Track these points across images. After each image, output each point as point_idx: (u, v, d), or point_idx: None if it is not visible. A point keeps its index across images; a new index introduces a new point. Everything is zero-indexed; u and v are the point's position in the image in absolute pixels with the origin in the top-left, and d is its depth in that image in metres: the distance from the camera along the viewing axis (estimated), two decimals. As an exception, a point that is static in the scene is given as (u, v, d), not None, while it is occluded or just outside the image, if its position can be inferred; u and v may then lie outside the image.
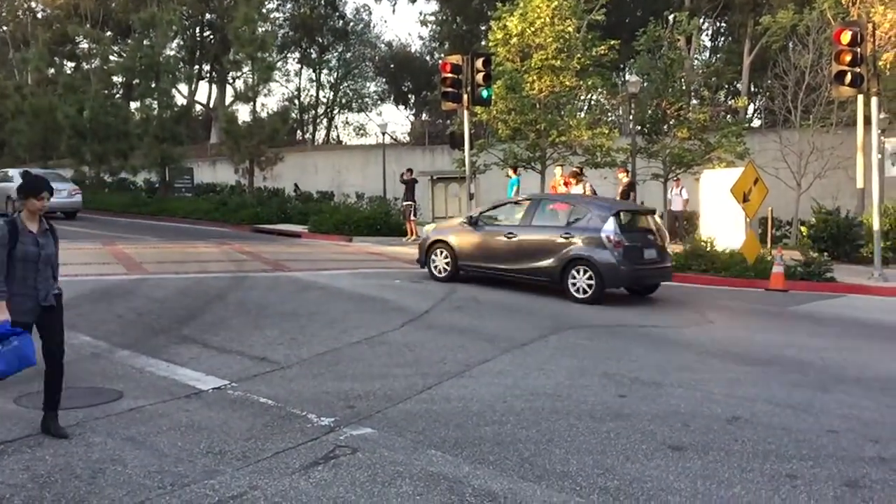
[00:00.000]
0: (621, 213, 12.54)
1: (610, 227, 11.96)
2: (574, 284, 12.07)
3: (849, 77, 14.23)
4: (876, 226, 14.82)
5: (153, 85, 32.45)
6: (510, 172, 22.14)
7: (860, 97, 15.10)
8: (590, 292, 11.89)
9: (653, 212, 14.08)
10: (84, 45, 44.22)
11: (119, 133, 33.21)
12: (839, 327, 10.60)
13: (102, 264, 14.08)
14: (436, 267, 13.77)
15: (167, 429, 5.52)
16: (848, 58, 14.17)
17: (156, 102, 32.79)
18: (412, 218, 21.85)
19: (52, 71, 40.63)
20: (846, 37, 14.14)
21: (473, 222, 13.65)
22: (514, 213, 13.77)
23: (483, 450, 5.26)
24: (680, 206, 24.04)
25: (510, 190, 21.65)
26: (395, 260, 16.80)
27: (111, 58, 38.96)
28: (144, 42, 33.20)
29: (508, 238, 12.94)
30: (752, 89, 42.96)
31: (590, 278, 11.93)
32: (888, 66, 21.76)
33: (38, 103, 35.61)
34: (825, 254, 17.19)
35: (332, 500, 4.41)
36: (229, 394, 6.44)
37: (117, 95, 41.20)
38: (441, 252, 13.76)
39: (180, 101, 41.62)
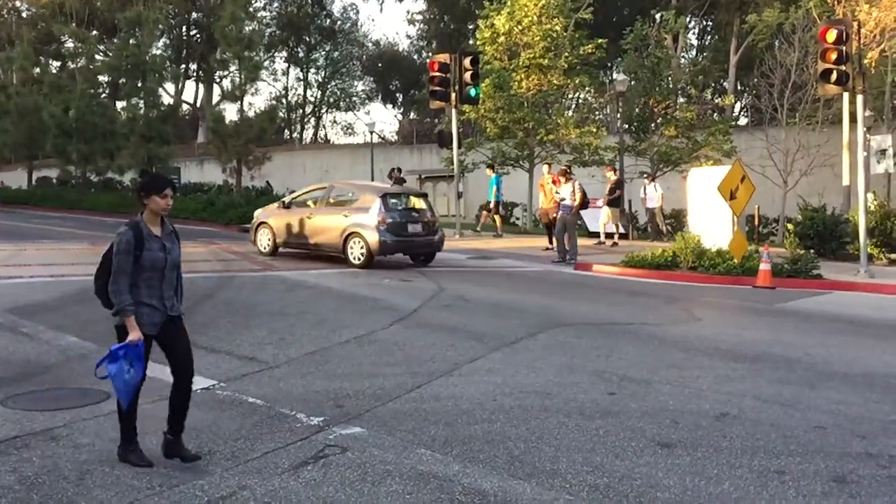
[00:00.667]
0: (388, 196, 15.43)
1: (375, 207, 14.83)
2: (352, 254, 14.91)
3: (834, 75, 14.31)
4: (862, 223, 14.92)
5: (139, 84, 32.29)
6: (488, 171, 22.10)
7: (846, 95, 15.19)
8: (362, 259, 14.77)
9: (423, 195, 17.02)
10: (69, 44, 43.81)
11: (105, 132, 33.03)
12: (826, 324, 10.67)
13: (90, 265, 13.95)
14: (260, 243, 16.58)
15: (155, 429, 5.47)
16: (833, 56, 14.25)
17: (142, 102, 32.62)
18: None
19: (37, 70, 40.31)
20: (832, 35, 14.22)
21: (286, 206, 16.41)
22: (314, 197, 16.49)
23: (473, 448, 5.26)
24: (656, 202, 23.20)
25: (491, 189, 21.58)
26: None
27: (97, 57, 38.76)
28: (130, 41, 33.04)
29: (308, 218, 15.69)
30: (739, 87, 43.17)
31: (362, 248, 14.79)
32: (873, 64, 21.92)
33: (24, 103, 35.36)
34: (812, 251, 17.29)
35: (321, 499, 4.40)
36: (218, 394, 6.42)
37: (103, 95, 40.94)
38: (265, 232, 16.52)
39: (167, 100, 41.45)
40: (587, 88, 29.00)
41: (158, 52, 40.72)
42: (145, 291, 4.72)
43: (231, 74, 32.85)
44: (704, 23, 50.55)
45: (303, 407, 6.05)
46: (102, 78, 40.09)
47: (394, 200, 15.52)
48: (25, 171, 39.40)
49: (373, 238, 14.62)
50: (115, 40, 38.42)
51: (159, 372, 7.00)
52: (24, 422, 5.57)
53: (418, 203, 16.11)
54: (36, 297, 10.51)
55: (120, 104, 37.80)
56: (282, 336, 8.60)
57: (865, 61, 18.85)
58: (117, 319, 4.76)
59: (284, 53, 60.67)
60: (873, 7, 21.10)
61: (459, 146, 22.73)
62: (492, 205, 21.99)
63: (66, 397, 6.18)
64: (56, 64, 48.19)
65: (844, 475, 4.94)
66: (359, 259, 14.80)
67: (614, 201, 20.85)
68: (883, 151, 18.08)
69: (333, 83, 62.98)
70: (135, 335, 4.63)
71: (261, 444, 5.24)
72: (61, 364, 7.23)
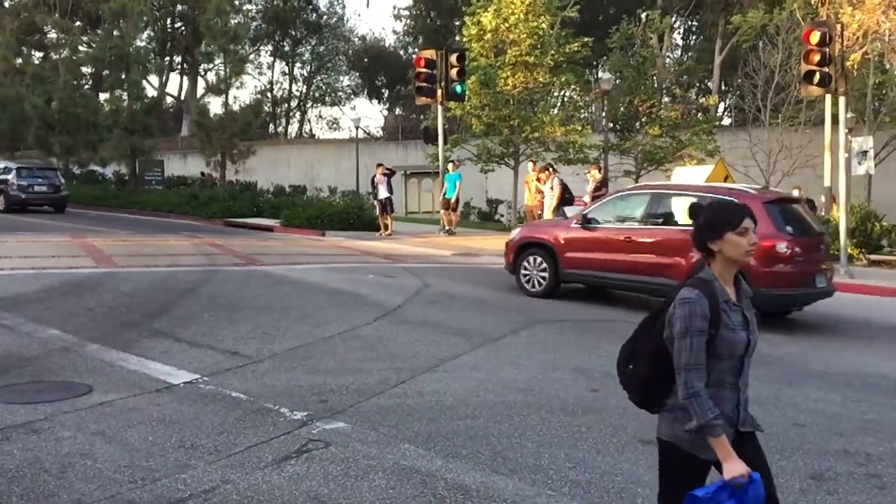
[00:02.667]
0: (22, 169, 23.41)
1: (12, 175, 23.68)
2: None
3: (817, 77, 14.43)
4: (842, 224, 15.06)
5: (123, 76, 32.03)
6: (450, 167, 21.94)
7: (828, 97, 15.33)
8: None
9: (53, 169, 25.59)
10: (52, 34, 43.54)
11: (88, 124, 32.78)
12: (805, 323, 10.77)
13: (71, 257, 13.91)
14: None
15: (138, 423, 5.47)
16: (817, 58, 14.37)
17: (126, 94, 32.37)
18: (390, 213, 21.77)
19: (19, 61, 39.92)
20: (815, 37, 14.34)
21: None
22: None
23: (456, 444, 5.29)
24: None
25: (452, 185, 21.34)
26: (369, 255, 16.78)
27: (80, 48, 38.41)
28: (114, 32, 32.75)
29: None
30: (723, 88, 43.43)
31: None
32: (856, 66, 22.10)
33: (6, 93, 35.00)
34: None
35: (304, 493, 4.41)
36: (201, 388, 6.41)
37: (86, 86, 40.63)
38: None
39: (151, 92, 41.12)
40: (573, 86, 29.05)
41: (143, 43, 40.32)
42: (714, 392, 3.04)
43: (216, 67, 32.61)
44: (690, 23, 50.79)
45: (286, 402, 6.05)
46: (86, 69, 39.81)
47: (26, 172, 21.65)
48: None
49: (8, 196, 21.23)
50: (99, 31, 38.12)
51: (138, 365, 6.99)
52: (5, 415, 5.53)
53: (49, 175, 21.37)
54: (16, 289, 10.42)
55: (103, 96, 37.51)
56: (266, 331, 8.59)
57: (848, 63, 19.01)
58: (676, 434, 3.18)
59: (270, 47, 60.44)
60: (856, 10, 21.28)
61: (445, 142, 22.72)
62: (453, 201, 21.66)
63: (47, 390, 6.15)
64: (39, 54, 47.81)
65: (822, 472, 5.01)
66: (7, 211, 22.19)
67: (598, 200, 20.90)
68: (864, 153, 18.21)
69: (319, 78, 62.77)
70: (738, 466, 2.89)
71: (244, 438, 5.24)
72: (42, 357, 7.18)
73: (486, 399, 6.36)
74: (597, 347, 8.47)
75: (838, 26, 15.00)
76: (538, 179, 18.55)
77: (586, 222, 11.97)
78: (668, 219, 11.14)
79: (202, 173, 35.07)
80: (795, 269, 10.13)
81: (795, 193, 20.27)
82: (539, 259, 12.22)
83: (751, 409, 3.19)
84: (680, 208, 11.02)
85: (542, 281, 12.16)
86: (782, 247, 9.92)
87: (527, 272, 12.33)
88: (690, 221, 3.12)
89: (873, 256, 17.36)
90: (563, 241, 12.05)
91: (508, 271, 12.72)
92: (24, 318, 8.68)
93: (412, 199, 38.03)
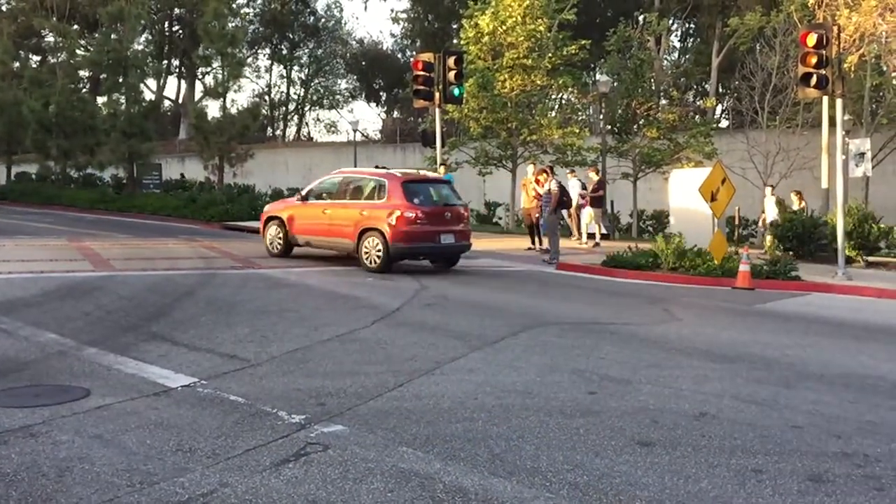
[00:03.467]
0: None
1: None
2: None
3: (814, 79, 14.45)
4: (840, 225, 15.08)
5: (121, 80, 32.01)
6: (441, 170, 21.99)
7: (825, 99, 15.35)
8: None
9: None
10: (50, 38, 43.48)
11: (86, 128, 32.77)
12: (803, 325, 10.78)
13: (69, 261, 13.89)
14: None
15: (135, 427, 5.47)
16: (814, 60, 14.39)
17: (123, 97, 32.35)
18: None
19: (17, 64, 39.93)
20: (812, 39, 14.37)
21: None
22: None
23: (454, 446, 5.28)
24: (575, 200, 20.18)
25: None
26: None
27: (78, 52, 38.38)
28: (112, 36, 32.75)
29: None
30: (721, 90, 43.47)
31: None
32: (853, 68, 22.15)
33: (3, 97, 35.01)
34: (790, 253, 17.47)
35: (303, 497, 4.40)
36: (199, 391, 6.40)
37: (84, 90, 40.59)
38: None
39: (149, 96, 41.20)
40: (570, 89, 29.10)
41: (140, 47, 40.38)
42: None
43: (214, 71, 32.66)
44: (687, 25, 50.84)
45: (284, 405, 6.04)
46: (83, 73, 39.77)
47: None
48: (4, 167, 39.00)
49: None
50: (97, 35, 38.05)
51: (135, 369, 6.98)
52: (3, 418, 5.52)
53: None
54: (14, 293, 10.41)
55: (101, 99, 37.44)
56: (263, 334, 8.58)
57: (845, 65, 19.05)
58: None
59: (268, 50, 60.45)
60: (853, 12, 21.32)
61: (443, 145, 22.75)
62: None
63: (45, 394, 6.14)
64: (36, 58, 47.78)
65: (821, 474, 5.01)
66: None
67: (597, 202, 20.95)
68: (861, 155, 18.26)
69: (317, 81, 62.79)
70: None
71: (242, 441, 5.24)
72: (40, 360, 7.17)
73: (484, 402, 6.36)
74: (595, 350, 8.48)
75: (835, 29, 15.02)
76: (536, 181, 18.57)
77: (303, 199, 16.00)
78: (345, 195, 15.41)
79: (182, 175, 35.10)
80: (420, 230, 14.19)
81: (793, 197, 20.26)
82: (276, 228, 16.11)
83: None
84: (353, 188, 15.46)
85: (280, 245, 16.04)
86: (409, 214, 14.08)
87: (270, 238, 16.24)
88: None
89: (871, 258, 17.39)
90: (289, 215, 15.90)
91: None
92: (22, 322, 8.67)
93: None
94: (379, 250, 14.15)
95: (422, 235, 14.28)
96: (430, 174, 18.18)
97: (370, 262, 14.25)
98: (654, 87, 28.36)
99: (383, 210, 14.25)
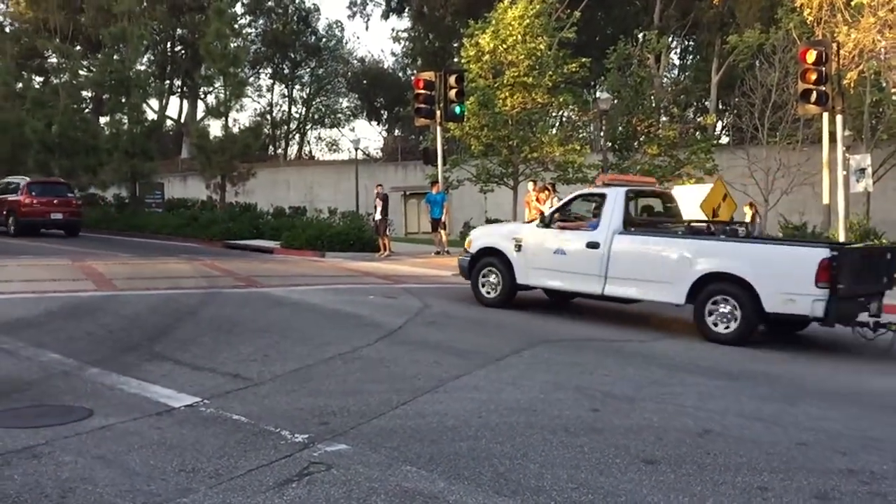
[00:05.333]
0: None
1: None
2: None
3: (814, 95, 14.52)
4: (841, 241, 15.08)
5: (123, 100, 32.19)
6: (433, 189, 22.05)
7: (825, 115, 15.41)
8: None
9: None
10: (53, 59, 43.75)
11: (88, 148, 32.89)
12: (806, 340, 10.75)
13: (72, 280, 13.90)
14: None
15: (138, 447, 5.45)
16: (813, 76, 14.47)
17: (126, 117, 32.52)
18: (386, 234, 21.82)
19: (20, 85, 40.11)
20: (811, 56, 14.45)
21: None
22: None
23: (458, 465, 5.26)
24: None
25: (441, 206, 21.40)
26: (369, 275, 16.78)
27: (81, 72, 38.63)
28: (114, 57, 32.97)
29: None
30: (721, 107, 43.65)
31: None
32: (852, 84, 22.22)
33: (6, 118, 35.14)
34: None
35: (306, 517, 4.38)
36: (202, 411, 6.38)
37: (86, 110, 40.82)
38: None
39: (151, 115, 41.29)
40: (571, 107, 29.23)
41: (143, 67, 40.59)
42: None
43: (216, 90, 32.82)
44: (686, 43, 51.16)
45: (287, 424, 6.02)
46: (86, 93, 40.03)
47: None
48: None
49: None
50: (99, 56, 38.31)
51: (138, 388, 6.97)
52: (6, 439, 5.51)
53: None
54: (17, 313, 10.41)
55: (103, 120, 37.66)
56: (266, 353, 8.57)
57: (845, 82, 19.12)
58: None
59: (269, 70, 60.86)
60: (852, 29, 21.42)
61: (444, 163, 22.82)
62: (441, 222, 21.71)
63: (47, 414, 6.13)
64: (39, 79, 48.00)
65: (827, 491, 4.98)
66: None
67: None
68: (862, 170, 18.28)
69: (318, 100, 63.14)
70: None
71: (245, 461, 5.22)
72: (43, 381, 7.16)
73: (488, 420, 6.34)
74: (598, 367, 8.46)
75: (834, 45, 15.11)
76: (538, 199, 18.60)
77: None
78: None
79: (209, 197, 35.24)
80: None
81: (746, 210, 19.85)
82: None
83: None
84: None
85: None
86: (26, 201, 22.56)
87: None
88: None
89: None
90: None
91: None
92: (25, 342, 8.66)
93: (412, 220, 38.08)
94: None
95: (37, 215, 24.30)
96: None
97: None
98: (654, 105, 28.46)
99: None
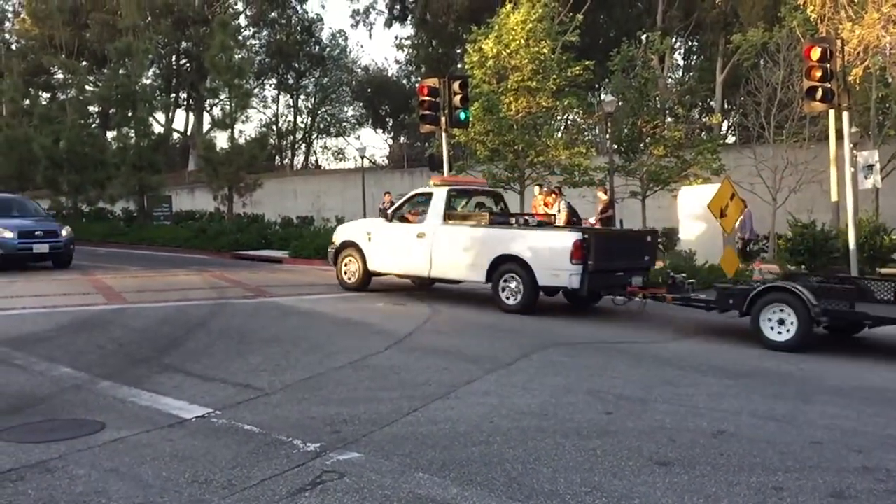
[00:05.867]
0: None
1: None
2: None
3: (820, 92, 14.45)
4: (851, 238, 15.01)
5: (130, 114, 32.37)
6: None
7: (831, 112, 15.33)
8: None
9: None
10: (59, 75, 44.05)
11: (96, 162, 33.09)
12: (818, 337, 10.70)
13: (82, 294, 13.95)
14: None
15: (151, 459, 5.46)
16: (818, 74, 14.40)
17: (133, 131, 32.70)
18: None
19: (27, 102, 40.43)
20: (816, 53, 14.39)
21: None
22: None
23: (471, 471, 5.25)
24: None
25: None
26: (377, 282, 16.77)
27: (87, 87, 38.87)
28: (120, 71, 33.18)
29: None
30: (726, 106, 43.56)
31: None
32: (858, 80, 22.13)
33: (14, 134, 35.40)
34: (802, 266, 17.37)
35: (320, 525, 4.37)
36: (213, 422, 6.39)
37: (93, 125, 41.03)
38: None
39: (157, 129, 41.54)
40: (576, 110, 29.20)
41: (148, 81, 40.88)
42: None
43: (221, 102, 33.02)
44: (690, 43, 51.08)
45: (299, 433, 6.03)
46: (92, 108, 40.24)
47: None
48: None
49: None
50: (105, 71, 38.59)
51: (150, 401, 6.99)
52: (19, 454, 5.53)
53: None
54: (28, 328, 10.46)
55: (110, 134, 37.92)
56: (277, 362, 8.58)
57: (850, 78, 19.05)
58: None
59: (274, 80, 61.10)
60: (856, 25, 21.36)
61: (450, 169, 22.81)
62: None
63: (60, 428, 6.14)
64: (46, 95, 48.33)
65: (842, 490, 4.95)
66: None
67: (606, 221, 20.94)
68: (870, 167, 18.21)
69: (323, 109, 63.35)
70: None
71: (257, 471, 5.22)
72: (55, 395, 7.19)
73: (499, 425, 6.32)
74: (609, 369, 8.43)
75: (838, 42, 15.04)
76: (545, 203, 18.57)
77: None
78: None
79: (217, 209, 35.39)
80: None
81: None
82: None
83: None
84: None
85: None
86: None
87: None
88: None
89: (884, 270, 17.26)
90: None
91: None
92: (37, 357, 8.70)
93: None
94: None
95: None
96: None
97: None
98: (659, 106, 28.39)
99: None
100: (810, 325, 9.73)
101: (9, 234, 18.40)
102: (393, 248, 14.36)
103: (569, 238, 11.99)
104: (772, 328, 9.96)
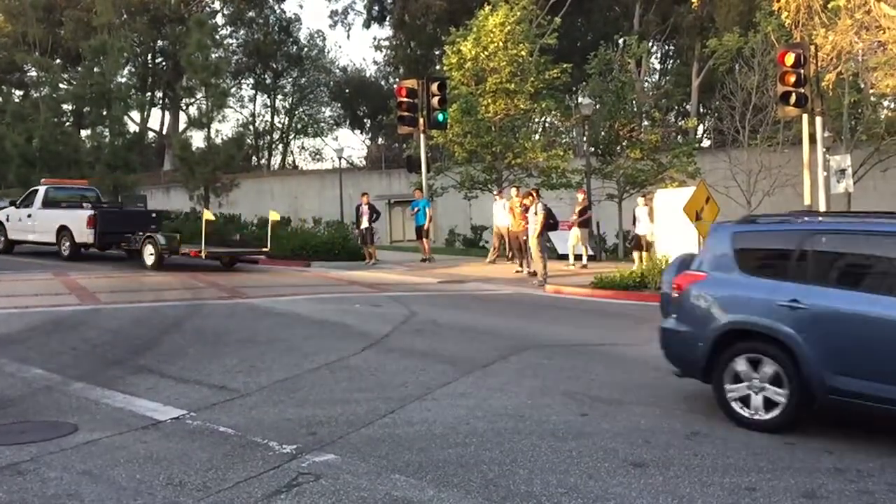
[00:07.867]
0: None
1: None
2: None
3: (793, 97, 14.65)
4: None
5: (104, 112, 31.99)
6: (416, 194, 22.08)
7: (805, 116, 15.55)
8: None
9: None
10: (33, 73, 43.43)
11: (70, 161, 32.61)
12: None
13: (54, 295, 13.79)
14: None
15: (125, 461, 5.41)
16: (792, 79, 14.59)
17: (107, 130, 32.31)
18: (372, 242, 21.76)
19: (-1, 100, 39.87)
20: (790, 58, 14.58)
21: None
22: None
23: (447, 472, 5.26)
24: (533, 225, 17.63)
25: (424, 213, 21.38)
26: (354, 284, 16.74)
27: (61, 86, 38.37)
28: (95, 69, 32.77)
29: None
30: (702, 110, 43.95)
31: None
32: (831, 86, 22.40)
33: (-15, 132, 34.81)
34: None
35: (295, 528, 4.36)
36: (188, 424, 6.34)
37: (67, 124, 40.45)
38: None
39: (132, 128, 41.13)
40: (553, 112, 29.31)
41: (123, 80, 40.36)
42: None
43: (198, 102, 32.75)
44: (666, 47, 51.50)
45: (275, 435, 6.00)
46: (66, 107, 39.65)
47: None
48: None
49: None
50: (80, 69, 38.13)
51: (124, 402, 6.91)
52: (-10, 457, 5.46)
53: None
54: (-1, 329, 10.32)
55: (84, 133, 37.42)
56: (252, 364, 8.53)
57: (823, 84, 19.26)
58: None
59: (251, 80, 60.64)
60: (829, 31, 21.62)
61: (428, 171, 22.82)
62: (424, 228, 21.67)
63: (32, 430, 6.07)
64: (19, 93, 47.67)
65: (814, 490, 5.01)
66: None
67: (584, 223, 21.03)
68: (842, 171, 18.45)
69: (301, 109, 62.99)
70: None
71: (233, 473, 5.19)
72: (27, 396, 7.10)
73: (476, 426, 6.33)
74: (585, 371, 8.48)
75: (812, 48, 15.24)
76: (522, 205, 18.61)
77: None
78: None
79: (193, 209, 35.05)
80: None
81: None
82: None
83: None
84: None
85: None
86: None
87: None
88: None
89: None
90: None
91: None
92: (8, 358, 8.58)
93: (397, 228, 38.06)
94: None
95: None
96: None
97: None
98: (636, 109, 28.60)
99: None
100: None
101: None
102: (19, 225, 21.70)
103: (87, 213, 19.67)
104: None
